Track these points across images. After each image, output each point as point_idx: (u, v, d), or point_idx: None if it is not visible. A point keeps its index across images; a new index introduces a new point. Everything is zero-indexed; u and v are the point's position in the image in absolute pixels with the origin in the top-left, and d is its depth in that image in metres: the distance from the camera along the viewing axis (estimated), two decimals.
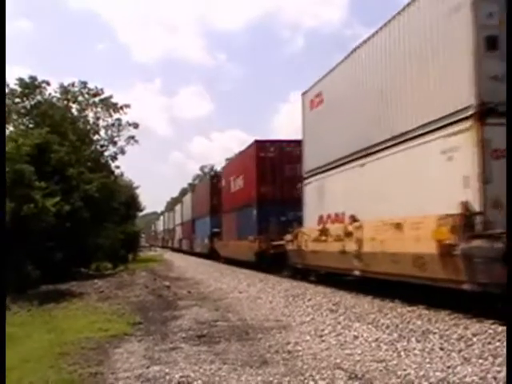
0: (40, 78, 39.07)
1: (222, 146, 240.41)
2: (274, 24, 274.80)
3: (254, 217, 31.07)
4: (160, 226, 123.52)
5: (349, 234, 17.33)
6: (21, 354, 10.21)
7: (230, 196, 38.48)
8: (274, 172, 30.80)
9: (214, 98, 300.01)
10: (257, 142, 31.84)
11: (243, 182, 34.32)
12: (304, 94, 23.37)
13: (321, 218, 20.58)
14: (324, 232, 19.71)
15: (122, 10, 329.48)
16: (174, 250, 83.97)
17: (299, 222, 23.80)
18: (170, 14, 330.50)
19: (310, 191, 22.37)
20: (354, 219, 17.31)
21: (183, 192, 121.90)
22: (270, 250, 28.31)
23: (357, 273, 17.30)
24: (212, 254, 46.12)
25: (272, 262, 28.27)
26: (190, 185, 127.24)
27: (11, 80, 38.49)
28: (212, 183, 48.53)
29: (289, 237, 24.26)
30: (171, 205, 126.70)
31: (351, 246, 17.05)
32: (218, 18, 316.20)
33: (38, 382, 8.10)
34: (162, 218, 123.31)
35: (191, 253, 60.47)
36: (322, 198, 20.71)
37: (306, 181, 22.82)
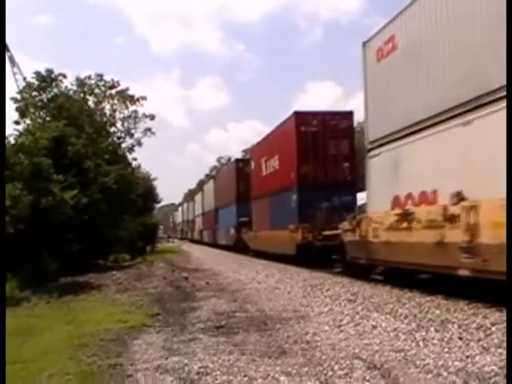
0: (57, 71, 39.22)
1: (239, 137, 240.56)
2: (292, 15, 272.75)
3: (293, 203, 26.69)
4: (179, 217, 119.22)
5: (452, 219, 13.07)
6: (41, 345, 10.30)
7: (261, 180, 34.17)
8: (317, 149, 26.47)
9: (232, 89, 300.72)
10: (297, 113, 27.12)
11: (279, 162, 30.09)
12: (366, 43, 18.35)
13: (396, 199, 15.94)
14: (405, 217, 15.20)
15: (139, 3, 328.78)
16: (194, 241, 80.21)
17: (347, 208, 22.11)
18: (188, 6, 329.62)
19: (378, 166, 17.50)
20: (459, 197, 12.94)
21: (200, 183, 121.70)
22: (316, 241, 24.27)
23: (465, 273, 12.57)
24: (238, 247, 41.90)
25: (318, 256, 24.38)
26: (207, 176, 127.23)
27: (28, 73, 38.69)
28: (238, 168, 44.21)
29: (346, 225, 20.01)
30: (188, 196, 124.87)
31: (456, 236, 12.74)
32: (236, 9, 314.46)
33: (57, 373, 8.16)
34: (180, 208, 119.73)
35: (214, 245, 56.45)
36: (398, 174, 16.09)
37: (372, 153, 17.96)
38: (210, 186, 62.09)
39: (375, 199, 17.84)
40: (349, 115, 27.73)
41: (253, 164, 37.75)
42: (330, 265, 23.13)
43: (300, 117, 27.07)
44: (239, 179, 42.79)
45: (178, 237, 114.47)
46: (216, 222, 54.50)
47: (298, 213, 25.91)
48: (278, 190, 29.53)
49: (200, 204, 70.89)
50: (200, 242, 70.28)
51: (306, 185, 26.03)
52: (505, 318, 10.14)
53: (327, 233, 23.17)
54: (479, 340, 8.85)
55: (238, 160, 48.73)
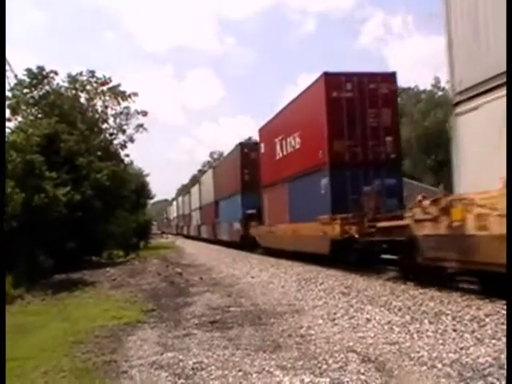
0: (48, 68, 39.12)
1: (231, 132, 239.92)
2: (284, 8, 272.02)
3: (324, 188, 21.39)
4: (173, 212, 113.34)
5: None
6: (35, 343, 10.32)
7: (276, 164, 28.85)
8: (353, 120, 21.12)
9: (224, 84, 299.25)
10: (327, 74, 21.34)
11: (300, 140, 24.57)
12: None
13: None
14: None
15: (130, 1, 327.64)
16: (190, 237, 73.96)
17: (390, 194, 20.05)
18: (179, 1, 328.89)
19: (477, 125, 12.17)
20: None
21: (193, 179, 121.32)
22: (363, 235, 18.14)
23: None
24: (245, 243, 36.52)
25: (363, 256, 19.52)
26: (199, 171, 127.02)
27: (19, 71, 38.56)
28: (243, 153, 38.61)
29: (420, 212, 14.03)
30: (183, 190, 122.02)
31: None
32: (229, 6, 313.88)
33: (52, 370, 8.17)
34: (174, 203, 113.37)
35: (214, 241, 50.68)
36: None
37: (462, 107, 12.64)
38: (208, 177, 56.44)
39: (471, 175, 12.52)
40: (391, 77, 22.36)
41: (263, 146, 32.43)
42: (378, 267, 19.13)
43: (331, 79, 21.44)
44: (244, 166, 38.04)
45: (173, 233, 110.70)
46: (216, 216, 49.13)
47: (332, 200, 20.75)
48: (299, 174, 24.47)
49: (197, 197, 64.92)
50: (198, 239, 65.05)
51: (341, 165, 20.84)
52: (498, 310, 10.21)
53: (383, 224, 17.04)
54: (473, 331, 8.88)
55: (242, 144, 40.93)
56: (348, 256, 20.10)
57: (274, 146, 28.80)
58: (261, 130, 33.35)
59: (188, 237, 77.28)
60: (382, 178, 20.78)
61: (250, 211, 35.14)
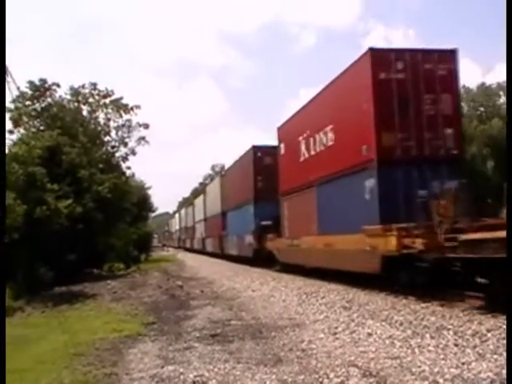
0: (50, 81, 39.26)
1: (233, 145, 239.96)
2: (285, 22, 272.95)
3: (369, 192, 17.46)
4: (175, 224, 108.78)
5: None
6: (36, 355, 10.29)
7: (299, 167, 24.78)
8: (406, 108, 17.23)
9: (226, 97, 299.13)
10: (373, 51, 17.50)
11: (334, 135, 20.41)
12: None
13: None
14: None
15: (133, 11, 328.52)
16: (194, 251, 69.33)
17: (453, 197, 14.52)
18: (183, 15, 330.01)
19: None
20: None
21: (195, 192, 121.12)
22: (433, 251, 13.76)
23: None
24: (259, 258, 32.51)
25: (433, 277, 14.94)
26: (201, 184, 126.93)
27: (21, 83, 38.75)
28: (256, 157, 34.33)
29: None
30: (186, 202, 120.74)
31: None
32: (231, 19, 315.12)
33: (53, 383, 8.16)
34: (177, 215, 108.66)
35: (221, 256, 46.65)
36: None
37: None
38: (214, 186, 52.14)
39: None
40: (451, 55, 18.13)
41: (282, 148, 28.39)
42: (451, 292, 14.43)
43: (378, 56, 17.52)
44: (258, 172, 33.95)
45: (175, 246, 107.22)
46: (223, 228, 44.90)
47: (380, 206, 16.69)
48: (333, 177, 20.46)
49: (201, 208, 60.29)
50: (202, 252, 60.60)
51: (391, 162, 16.96)
52: (500, 325, 10.18)
53: (471, 237, 12.46)
54: (475, 347, 8.86)
55: (255, 147, 35.33)
56: (408, 277, 15.68)
57: (298, 146, 24.79)
58: (280, 129, 29.11)
59: (191, 250, 73.08)
60: (441, 178, 16.65)
61: (264, 222, 31.23)
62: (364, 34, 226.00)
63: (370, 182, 17.26)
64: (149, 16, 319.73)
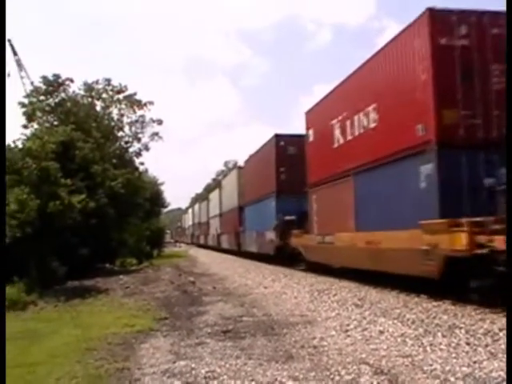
0: (63, 76, 39.43)
1: (246, 142, 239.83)
2: (300, 19, 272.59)
3: (427, 178, 14.76)
4: (188, 220, 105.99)
5: None
6: (48, 349, 10.32)
7: (333, 154, 22.00)
8: (470, 80, 14.51)
9: (239, 94, 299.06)
10: (432, 11, 14.78)
11: (379, 115, 17.79)
12: None
13: None
14: None
15: (147, 8, 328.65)
16: (208, 248, 67.13)
17: None
18: (197, 12, 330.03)
19: None
20: None
21: (207, 188, 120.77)
22: None
23: None
24: (282, 256, 30.33)
25: None
26: (213, 180, 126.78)
27: (35, 78, 39.03)
28: (279, 147, 31.50)
29: None
30: (200, 197, 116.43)
31: None
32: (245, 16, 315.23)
33: (65, 377, 8.17)
34: (190, 210, 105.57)
35: (238, 252, 44.39)
36: None
37: None
38: (231, 179, 49.24)
39: None
40: None
41: (312, 134, 25.33)
42: None
43: (438, 18, 14.81)
44: (280, 163, 31.14)
45: (187, 242, 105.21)
46: (240, 224, 42.72)
47: (440, 196, 14.01)
48: (376, 163, 17.79)
49: (217, 203, 57.54)
50: (217, 249, 57.72)
51: (453, 144, 14.17)
52: None
53: None
54: (487, 345, 8.83)
55: (278, 136, 32.24)
56: (481, 283, 13.29)
57: (331, 131, 21.91)
58: (308, 114, 26.04)
59: (205, 247, 70.65)
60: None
61: (288, 217, 28.82)
62: (378, 31, 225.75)
63: (427, 168, 14.66)
64: (162, 13, 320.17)
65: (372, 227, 17.83)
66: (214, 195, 62.71)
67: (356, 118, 19.47)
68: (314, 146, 24.99)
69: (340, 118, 21.07)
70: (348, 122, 20.25)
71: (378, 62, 18.14)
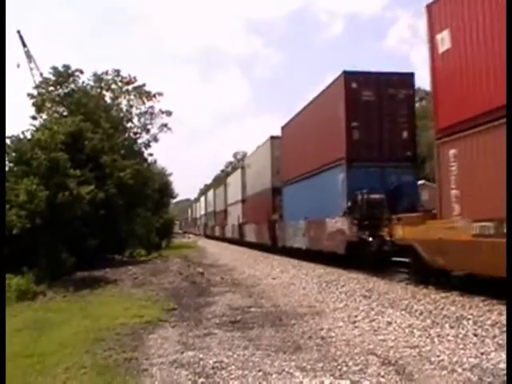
0: (74, 67, 39.49)
1: (257, 133, 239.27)
2: (312, 9, 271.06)
3: None
4: (200, 209, 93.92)
5: None
6: (57, 339, 10.37)
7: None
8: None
9: (251, 85, 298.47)
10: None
11: None
12: None
13: None
14: None
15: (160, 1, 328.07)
16: (225, 240, 58.06)
17: None
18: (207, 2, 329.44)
19: None
20: None
21: (217, 179, 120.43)
22: None
23: None
24: (361, 257, 19.94)
25: None
26: (222, 171, 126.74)
27: (45, 69, 39.13)
28: (349, 90, 20.75)
29: None
30: (208, 188, 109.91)
31: None
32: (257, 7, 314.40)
33: (74, 366, 8.22)
34: (202, 198, 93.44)
35: (272, 248, 33.98)
36: None
37: None
38: (261, 154, 38.70)
39: None
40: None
41: (447, 37, 13.81)
42: None
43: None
44: (352, 115, 20.71)
45: (199, 233, 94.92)
46: (274, 211, 33.47)
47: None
48: None
49: (238, 187, 47.62)
50: (239, 243, 47.59)
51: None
52: None
53: None
54: (494, 337, 8.83)
55: (347, 74, 20.99)
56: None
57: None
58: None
59: (224, 239, 59.28)
60: None
61: (374, 196, 19.49)
62: (391, 21, 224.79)
63: None
64: (174, 3, 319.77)
65: None
66: (233, 178, 53.52)
67: None
68: (450, 59, 13.86)
69: None
70: None
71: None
